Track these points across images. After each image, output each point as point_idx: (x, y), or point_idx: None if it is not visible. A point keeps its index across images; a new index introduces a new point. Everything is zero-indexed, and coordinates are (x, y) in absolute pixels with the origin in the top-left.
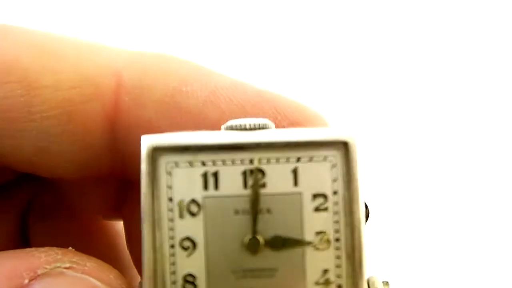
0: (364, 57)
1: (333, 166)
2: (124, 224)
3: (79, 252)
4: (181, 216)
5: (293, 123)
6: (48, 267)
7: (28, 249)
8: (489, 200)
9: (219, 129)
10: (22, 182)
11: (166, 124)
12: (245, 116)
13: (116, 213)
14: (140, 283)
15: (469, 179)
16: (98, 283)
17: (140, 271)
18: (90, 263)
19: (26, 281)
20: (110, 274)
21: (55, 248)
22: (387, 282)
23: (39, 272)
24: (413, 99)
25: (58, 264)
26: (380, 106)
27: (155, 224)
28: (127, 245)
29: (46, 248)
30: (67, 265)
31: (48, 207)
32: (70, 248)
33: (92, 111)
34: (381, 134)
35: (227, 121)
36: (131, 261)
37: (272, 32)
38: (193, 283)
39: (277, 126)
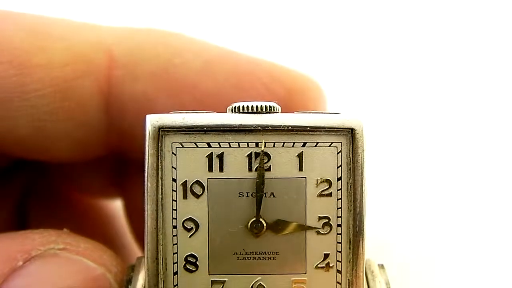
0: (369, 41)
1: (338, 152)
2: (125, 201)
3: (74, 233)
4: (184, 197)
5: (289, 90)
6: (42, 248)
7: (22, 231)
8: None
9: (214, 99)
10: (19, 169)
11: (162, 96)
12: (239, 85)
13: (116, 192)
14: (138, 258)
15: (470, 175)
16: (91, 264)
17: (141, 242)
18: (84, 244)
19: (20, 262)
20: (104, 254)
21: (49, 230)
22: (382, 265)
23: (33, 253)
24: (419, 86)
25: (52, 246)
26: (385, 94)
27: (158, 204)
28: (127, 221)
29: (40, 230)
30: (61, 246)
31: (45, 192)
32: (65, 229)
33: (86, 87)
34: (386, 122)
35: (222, 90)
36: (127, 241)
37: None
38: (194, 264)
39: (272, 93)
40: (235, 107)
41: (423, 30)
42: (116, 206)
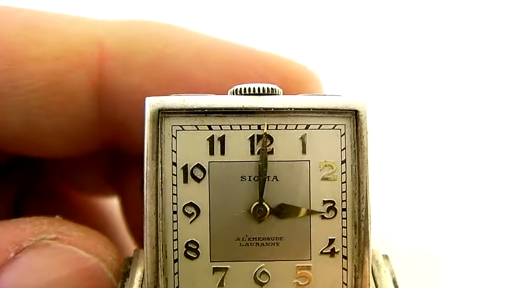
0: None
1: (342, 134)
2: (121, 198)
3: (66, 220)
4: (185, 181)
5: (284, 80)
6: (33, 239)
7: (13, 220)
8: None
9: (209, 89)
10: (15, 167)
11: (155, 87)
12: (233, 75)
13: (112, 189)
14: (136, 250)
15: (473, 168)
16: (84, 254)
17: (138, 240)
18: (77, 233)
19: (12, 254)
20: (97, 243)
21: (41, 218)
22: (386, 256)
23: (25, 245)
24: (417, 82)
25: (44, 236)
26: (388, 75)
27: (158, 189)
28: (124, 218)
29: (32, 218)
30: (53, 236)
31: (41, 190)
32: (57, 216)
33: (78, 80)
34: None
35: (215, 80)
36: (123, 238)
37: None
38: (195, 250)
39: (267, 83)
40: (236, 89)
41: (422, 18)
42: (113, 204)
